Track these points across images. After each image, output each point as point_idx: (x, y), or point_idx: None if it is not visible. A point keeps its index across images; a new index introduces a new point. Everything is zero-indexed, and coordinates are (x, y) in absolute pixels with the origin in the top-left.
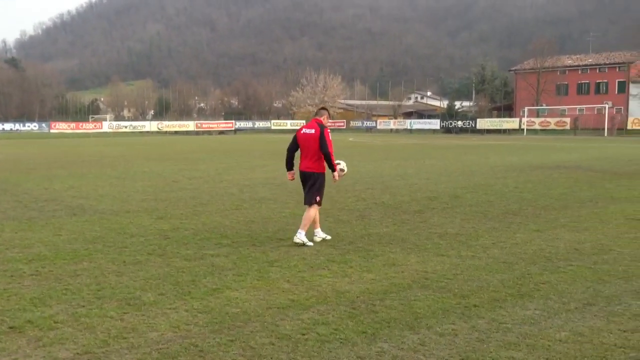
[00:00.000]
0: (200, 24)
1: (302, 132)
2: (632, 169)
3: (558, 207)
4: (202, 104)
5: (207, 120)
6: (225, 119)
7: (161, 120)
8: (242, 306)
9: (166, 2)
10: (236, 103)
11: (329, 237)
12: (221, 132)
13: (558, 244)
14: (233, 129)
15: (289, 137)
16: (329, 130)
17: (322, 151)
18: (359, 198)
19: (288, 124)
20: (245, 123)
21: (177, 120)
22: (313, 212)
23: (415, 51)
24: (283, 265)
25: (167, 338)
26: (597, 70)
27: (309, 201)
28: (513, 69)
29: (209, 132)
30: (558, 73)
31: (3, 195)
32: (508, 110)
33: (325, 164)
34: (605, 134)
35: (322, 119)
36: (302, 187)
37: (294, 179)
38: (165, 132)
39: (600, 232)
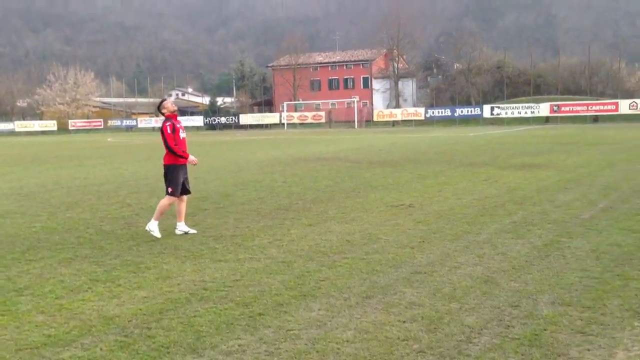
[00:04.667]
0: None
1: None
2: (382, 157)
3: (325, 199)
4: None
5: None
6: None
7: None
8: None
9: None
10: None
11: (193, 231)
12: None
13: (331, 237)
14: None
15: (38, 140)
16: (167, 123)
17: (164, 145)
18: (124, 204)
19: (36, 125)
20: None
21: None
22: (165, 202)
23: (172, 47)
24: (35, 292)
25: None
26: (345, 67)
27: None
28: (270, 65)
29: None
30: (311, 70)
31: None
32: (268, 105)
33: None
34: (356, 126)
35: (163, 111)
36: None
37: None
38: None
39: (366, 222)
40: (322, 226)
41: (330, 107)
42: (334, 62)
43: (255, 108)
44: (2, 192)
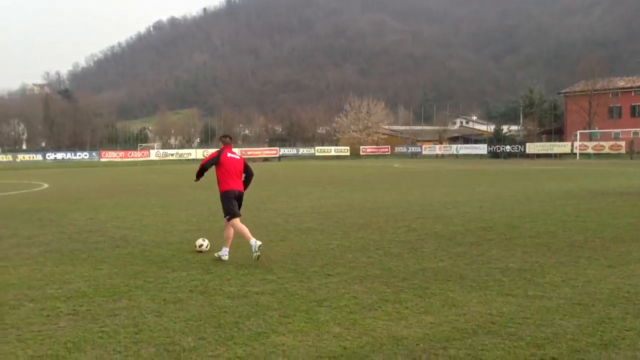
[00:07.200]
0: (244, 53)
1: (228, 155)
2: None
3: (628, 239)
4: (246, 131)
5: (251, 147)
6: (269, 146)
7: (206, 148)
8: (290, 355)
9: (212, 32)
10: (280, 129)
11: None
12: (265, 159)
13: (636, 281)
14: (277, 155)
15: (334, 164)
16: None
17: (250, 173)
18: (410, 228)
19: (332, 151)
20: (289, 150)
21: None
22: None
23: (459, 75)
24: (333, 305)
25: None
26: None
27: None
28: (563, 91)
29: (253, 159)
30: (610, 96)
31: (49, 226)
32: (558, 134)
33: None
34: None
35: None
36: (236, 204)
37: None
38: None
39: None
40: (624, 268)
41: (632, 136)
42: (639, 87)
43: (544, 136)
44: (305, 210)
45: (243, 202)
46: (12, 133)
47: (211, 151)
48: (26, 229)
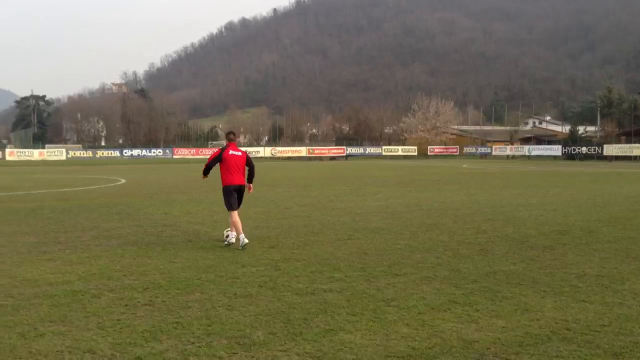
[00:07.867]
0: (313, 53)
1: (230, 153)
2: None
3: None
4: (314, 130)
5: (318, 145)
6: (336, 145)
7: (275, 146)
8: (358, 353)
9: (281, 33)
10: (347, 129)
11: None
12: (332, 158)
13: None
14: (344, 154)
15: (401, 164)
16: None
17: (252, 166)
18: (479, 230)
19: (399, 150)
20: (356, 149)
21: (289, 145)
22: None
23: (532, 74)
24: (401, 305)
25: None
26: None
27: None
28: None
29: (320, 158)
30: None
31: (126, 219)
32: (638, 135)
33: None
34: None
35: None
36: (234, 196)
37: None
38: (279, 158)
39: None
40: None
41: None
42: None
43: (623, 138)
44: (373, 209)
45: (247, 195)
46: (92, 130)
47: (279, 149)
48: (105, 222)
